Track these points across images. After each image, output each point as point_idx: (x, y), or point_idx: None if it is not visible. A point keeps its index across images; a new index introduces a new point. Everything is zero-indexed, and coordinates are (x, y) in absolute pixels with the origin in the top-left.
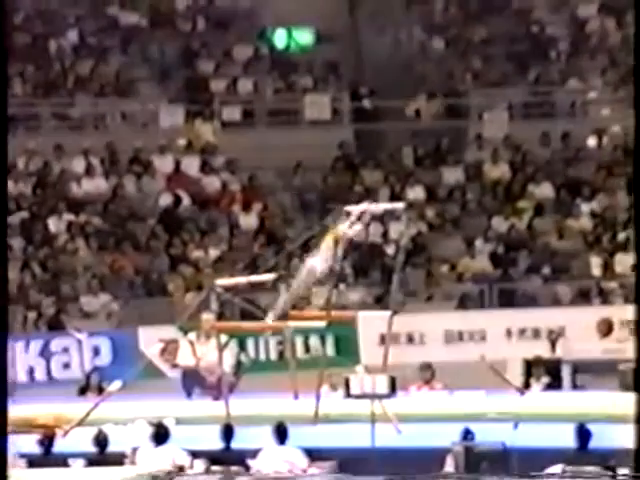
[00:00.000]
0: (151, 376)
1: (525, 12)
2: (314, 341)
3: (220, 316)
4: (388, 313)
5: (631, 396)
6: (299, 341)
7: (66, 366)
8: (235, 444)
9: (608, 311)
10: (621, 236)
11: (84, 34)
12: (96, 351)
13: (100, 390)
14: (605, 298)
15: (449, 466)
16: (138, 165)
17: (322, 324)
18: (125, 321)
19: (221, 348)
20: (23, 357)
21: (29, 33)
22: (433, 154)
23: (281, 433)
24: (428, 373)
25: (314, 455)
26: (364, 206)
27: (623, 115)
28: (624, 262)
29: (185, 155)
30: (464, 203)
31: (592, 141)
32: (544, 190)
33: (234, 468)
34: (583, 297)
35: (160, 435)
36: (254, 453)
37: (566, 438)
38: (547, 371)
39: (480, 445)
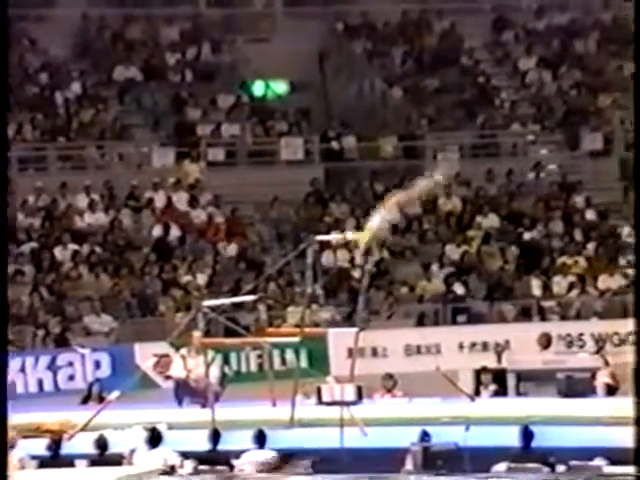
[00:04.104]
0: (146, 387)
1: (472, 65)
2: (289, 355)
3: (207, 333)
4: (355, 330)
5: (568, 401)
6: (276, 355)
7: (71, 378)
8: (221, 446)
9: (547, 327)
10: (558, 261)
11: (86, 86)
12: (97, 365)
13: (101, 399)
14: (544, 315)
15: (409, 464)
16: (134, 200)
17: (296, 340)
18: (123, 338)
19: (208, 363)
20: (33, 370)
21: (38, 85)
22: (393, 189)
23: (260, 438)
24: (390, 382)
25: (290, 455)
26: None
27: (558, 155)
28: (561, 284)
29: (175, 191)
30: (421, 233)
31: (532, 177)
32: (491, 221)
33: (219, 467)
34: (525, 315)
35: (154, 439)
36: (237, 454)
37: (511, 438)
38: (494, 380)
39: (436, 445)
